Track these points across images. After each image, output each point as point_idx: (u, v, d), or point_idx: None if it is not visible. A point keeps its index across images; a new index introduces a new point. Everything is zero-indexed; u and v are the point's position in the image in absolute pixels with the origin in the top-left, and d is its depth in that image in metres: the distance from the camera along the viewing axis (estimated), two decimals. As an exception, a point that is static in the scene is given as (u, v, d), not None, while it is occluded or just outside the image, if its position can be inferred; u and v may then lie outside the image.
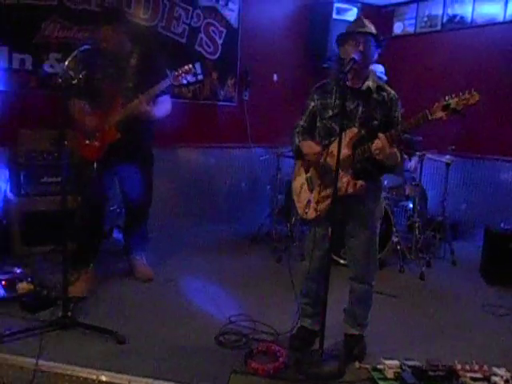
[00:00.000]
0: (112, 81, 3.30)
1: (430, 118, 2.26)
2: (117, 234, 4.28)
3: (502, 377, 2.30)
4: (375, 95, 2.55)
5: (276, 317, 3.02)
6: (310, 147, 2.60)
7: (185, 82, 3.32)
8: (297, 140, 2.70)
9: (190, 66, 3.25)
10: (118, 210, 4.31)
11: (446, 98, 2.22)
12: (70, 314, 2.79)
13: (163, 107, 3.43)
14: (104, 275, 3.62)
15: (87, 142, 3.35)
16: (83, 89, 3.16)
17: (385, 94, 2.57)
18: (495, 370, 2.37)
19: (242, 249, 4.66)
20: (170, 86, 3.34)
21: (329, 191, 2.53)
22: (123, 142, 3.28)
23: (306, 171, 2.73)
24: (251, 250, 4.61)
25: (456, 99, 2.19)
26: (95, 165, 3.29)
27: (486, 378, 2.31)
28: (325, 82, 2.71)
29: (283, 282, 2.85)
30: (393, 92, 2.60)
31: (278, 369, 2.44)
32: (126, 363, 2.46)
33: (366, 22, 2.54)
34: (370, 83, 2.56)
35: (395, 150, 2.46)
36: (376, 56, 2.57)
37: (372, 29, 2.52)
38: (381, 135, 2.37)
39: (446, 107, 2.21)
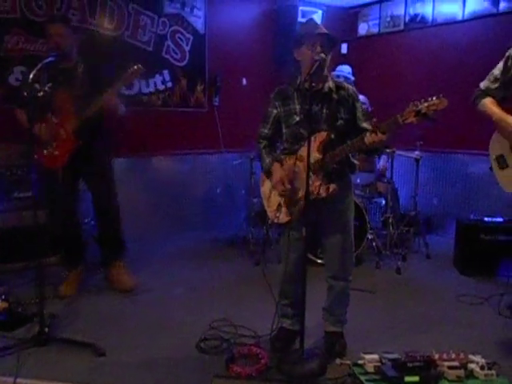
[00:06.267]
0: (62, 90, 3.31)
1: (401, 123, 2.24)
2: (92, 246, 4.22)
3: (477, 363, 2.36)
4: (335, 95, 2.57)
5: (256, 319, 3.03)
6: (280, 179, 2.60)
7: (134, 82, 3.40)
8: (266, 159, 2.71)
9: (139, 65, 3.21)
10: (93, 222, 4.26)
11: (416, 104, 2.20)
12: (46, 329, 2.74)
13: (120, 107, 3.46)
14: (80, 289, 3.57)
15: (45, 151, 3.36)
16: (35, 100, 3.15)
17: (344, 92, 2.59)
18: (471, 357, 2.42)
19: (220, 254, 4.65)
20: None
21: (300, 195, 2.55)
22: (81, 149, 3.31)
23: None
24: (229, 255, 4.61)
25: (425, 104, 2.17)
26: (60, 173, 3.31)
27: (463, 366, 2.36)
28: (282, 88, 2.68)
29: (262, 285, 2.86)
30: (351, 87, 2.63)
31: (260, 371, 2.46)
32: (107, 376, 2.44)
33: (318, 23, 2.58)
34: (329, 84, 2.59)
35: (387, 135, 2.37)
36: (330, 57, 2.55)
37: (324, 30, 2.55)
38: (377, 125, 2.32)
39: (417, 113, 2.19)
